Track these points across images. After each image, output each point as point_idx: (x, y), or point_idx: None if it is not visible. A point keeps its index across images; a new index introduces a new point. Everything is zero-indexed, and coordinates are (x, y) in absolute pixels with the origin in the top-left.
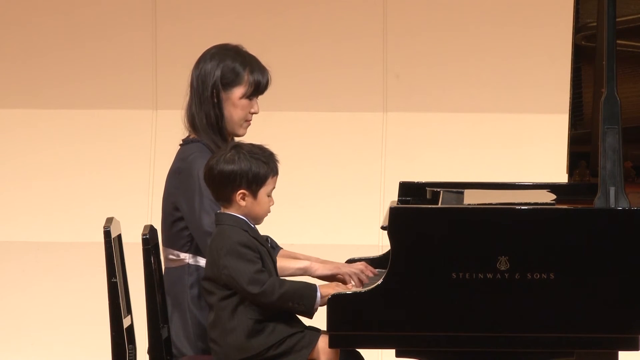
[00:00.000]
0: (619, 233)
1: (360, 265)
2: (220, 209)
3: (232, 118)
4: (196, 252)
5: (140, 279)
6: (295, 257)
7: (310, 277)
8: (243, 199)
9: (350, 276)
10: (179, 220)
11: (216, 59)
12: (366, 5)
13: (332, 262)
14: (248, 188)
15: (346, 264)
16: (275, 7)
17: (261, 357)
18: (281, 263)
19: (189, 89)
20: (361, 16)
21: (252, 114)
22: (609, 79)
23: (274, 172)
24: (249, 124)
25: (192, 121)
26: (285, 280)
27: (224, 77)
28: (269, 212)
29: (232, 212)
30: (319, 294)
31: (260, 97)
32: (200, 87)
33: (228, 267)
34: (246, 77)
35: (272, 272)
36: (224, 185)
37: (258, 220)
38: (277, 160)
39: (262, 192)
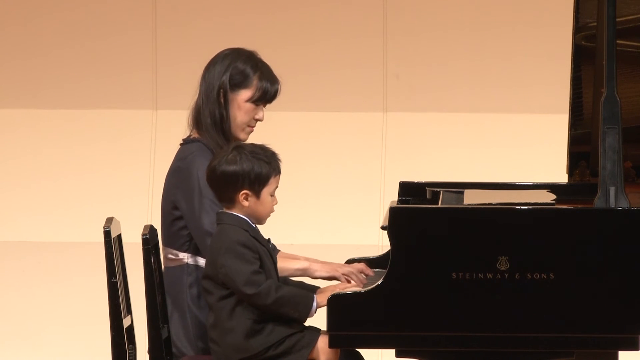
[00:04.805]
0: (619, 233)
1: (359, 265)
2: (220, 208)
3: (235, 120)
4: (195, 252)
5: (140, 279)
6: (295, 258)
7: (309, 279)
8: (246, 199)
9: (348, 276)
10: (178, 220)
11: (228, 60)
12: (366, 5)
13: (330, 264)
14: (251, 188)
15: (344, 265)
16: (275, 7)
17: (261, 357)
18: (281, 264)
19: (199, 87)
20: (361, 16)
21: (257, 120)
22: (609, 79)
23: (277, 172)
24: (252, 130)
25: (197, 119)
26: (282, 285)
27: (233, 78)
28: (273, 211)
29: (235, 212)
30: (315, 304)
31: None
32: (209, 86)
33: (225, 266)
34: (255, 81)
35: (271, 272)
36: (226, 186)
37: (261, 220)
38: (279, 160)
39: (265, 192)
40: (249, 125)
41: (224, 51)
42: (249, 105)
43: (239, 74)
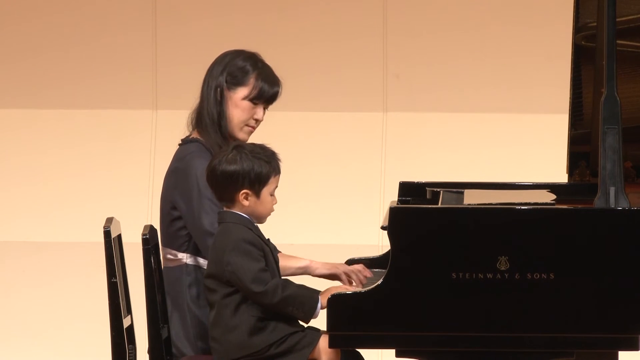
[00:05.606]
0: (618, 233)
1: (358, 266)
2: (219, 208)
3: (232, 119)
4: (194, 252)
5: (140, 279)
6: (294, 258)
7: (310, 279)
8: (246, 198)
9: (348, 275)
10: (176, 220)
11: (227, 59)
12: (366, 5)
13: (331, 262)
14: (251, 188)
15: (344, 265)
16: (275, 7)
17: (262, 355)
18: (282, 262)
19: (200, 90)
20: (361, 16)
21: (256, 120)
22: (609, 79)
23: (276, 171)
24: (252, 130)
25: (198, 119)
26: (289, 284)
27: (230, 75)
28: (273, 210)
29: (236, 211)
30: (319, 305)
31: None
32: (209, 87)
33: (232, 264)
34: (252, 79)
35: (274, 271)
36: (227, 186)
37: (261, 219)
38: (279, 159)
39: (265, 191)
40: (247, 125)
41: (226, 52)
42: (246, 104)
43: (237, 70)
